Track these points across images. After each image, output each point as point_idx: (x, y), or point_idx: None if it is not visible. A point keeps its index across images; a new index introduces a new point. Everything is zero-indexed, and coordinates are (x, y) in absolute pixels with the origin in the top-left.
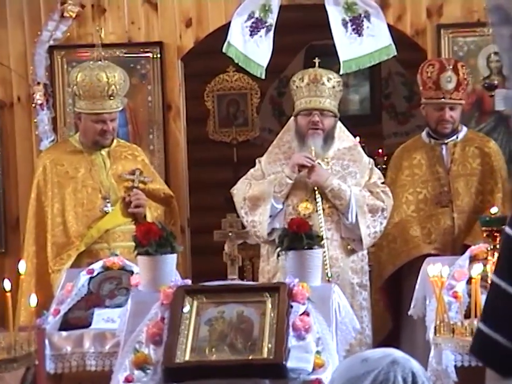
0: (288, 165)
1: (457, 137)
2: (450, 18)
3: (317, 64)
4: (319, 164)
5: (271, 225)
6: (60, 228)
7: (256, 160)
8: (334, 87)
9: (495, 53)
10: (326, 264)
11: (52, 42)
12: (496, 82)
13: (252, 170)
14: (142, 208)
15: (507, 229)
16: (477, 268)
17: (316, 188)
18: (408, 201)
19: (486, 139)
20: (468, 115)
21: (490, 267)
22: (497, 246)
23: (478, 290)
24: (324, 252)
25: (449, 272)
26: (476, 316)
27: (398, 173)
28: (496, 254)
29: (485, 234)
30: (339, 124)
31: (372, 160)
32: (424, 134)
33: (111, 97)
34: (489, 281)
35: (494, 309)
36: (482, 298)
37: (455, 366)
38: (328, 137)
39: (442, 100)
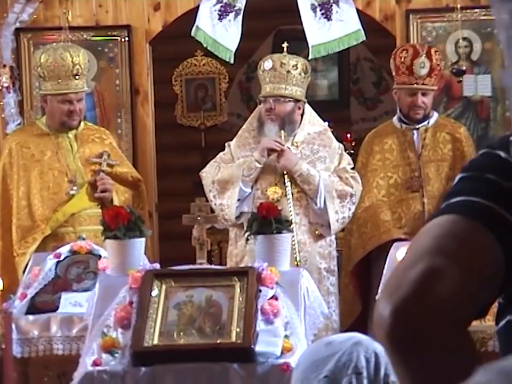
0: (257, 149)
1: (428, 123)
2: (419, 3)
3: (285, 49)
4: (289, 148)
5: (240, 208)
6: (25, 211)
7: (226, 144)
8: (290, 71)
9: (464, 39)
10: (295, 249)
11: (18, 25)
12: (464, 68)
13: (221, 153)
14: (108, 193)
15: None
16: None
17: (285, 172)
18: (379, 186)
19: (457, 125)
20: (436, 101)
21: None
22: None
23: None
24: (293, 237)
25: None
26: None
27: (369, 158)
28: None
29: None
30: (309, 109)
31: (341, 145)
32: (395, 119)
33: (76, 77)
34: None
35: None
36: None
37: None
38: (286, 123)
39: (415, 85)
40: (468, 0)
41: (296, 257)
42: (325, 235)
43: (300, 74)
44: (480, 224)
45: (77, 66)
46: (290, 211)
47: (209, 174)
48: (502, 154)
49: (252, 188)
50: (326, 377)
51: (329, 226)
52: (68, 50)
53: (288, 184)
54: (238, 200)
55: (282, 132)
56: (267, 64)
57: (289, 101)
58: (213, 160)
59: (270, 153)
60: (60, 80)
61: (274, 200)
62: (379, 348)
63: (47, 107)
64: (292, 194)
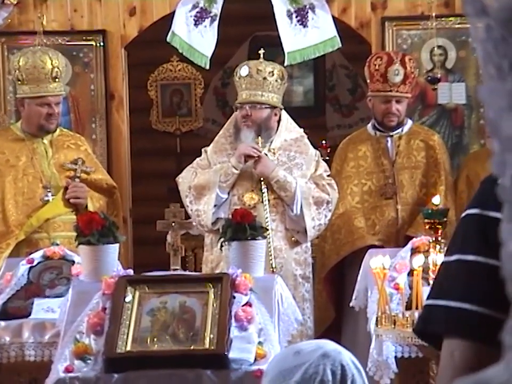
0: (234, 155)
1: (402, 130)
2: (395, 11)
3: (261, 55)
4: (266, 154)
5: (216, 214)
6: None
7: (202, 150)
8: (266, 78)
9: (439, 47)
10: (271, 255)
11: None
12: (439, 75)
13: (197, 159)
14: (82, 200)
15: (467, 210)
16: (418, 260)
17: (261, 179)
18: (353, 193)
19: (430, 132)
20: (411, 108)
21: (431, 259)
22: (439, 238)
23: (419, 282)
24: (269, 243)
25: (391, 263)
26: (417, 308)
27: (343, 164)
28: (437, 247)
29: (427, 227)
30: (286, 115)
31: (318, 152)
32: (369, 126)
33: (56, 80)
34: (441, 263)
35: (457, 281)
36: (423, 290)
37: (396, 357)
38: (262, 129)
39: (389, 92)
40: (443, 8)
41: (272, 264)
42: (301, 242)
43: (276, 81)
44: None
45: (56, 69)
46: (266, 217)
47: (186, 179)
48: (497, 215)
49: (228, 193)
50: None
51: (306, 232)
52: (46, 53)
53: (264, 190)
54: (215, 206)
55: (259, 138)
56: (243, 70)
57: (266, 107)
58: (190, 165)
59: (247, 159)
60: (39, 83)
61: (251, 206)
62: (347, 359)
63: (24, 111)
64: (269, 200)
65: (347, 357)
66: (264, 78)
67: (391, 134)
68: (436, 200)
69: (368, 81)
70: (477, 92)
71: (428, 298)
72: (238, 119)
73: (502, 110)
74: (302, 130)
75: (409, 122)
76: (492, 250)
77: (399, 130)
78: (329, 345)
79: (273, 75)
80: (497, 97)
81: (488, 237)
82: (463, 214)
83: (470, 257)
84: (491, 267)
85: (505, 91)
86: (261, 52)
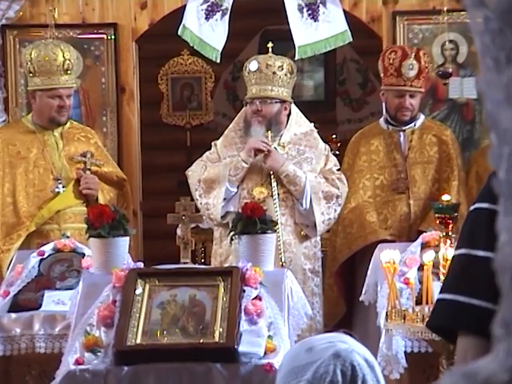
0: (244, 149)
1: (415, 125)
2: (406, 5)
3: (270, 49)
4: (275, 148)
5: (225, 208)
6: (10, 207)
7: (212, 143)
8: (276, 72)
9: (450, 41)
10: (280, 249)
11: (4, 22)
12: (450, 70)
13: (207, 153)
14: (93, 191)
15: (476, 204)
16: (429, 255)
17: (271, 173)
18: (365, 187)
19: (443, 127)
20: (422, 103)
21: (441, 254)
22: (449, 233)
23: (429, 277)
24: (278, 237)
25: (401, 258)
26: (426, 303)
27: (355, 159)
28: (448, 241)
29: (437, 221)
30: (296, 109)
31: (328, 146)
32: (382, 120)
33: (67, 72)
34: (452, 257)
35: (466, 276)
36: (433, 284)
37: (405, 352)
38: (272, 124)
39: (403, 87)
40: (454, 2)
41: (281, 258)
42: (311, 236)
43: (285, 75)
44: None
45: (67, 62)
46: (276, 211)
47: (196, 173)
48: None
49: (238, 187)
50: None
51: (315, 227)
52: (58, 46)
53: (274, 184)
54: (224, 199)
55: (269, 132)
56: (252, 65)
57: (276, 102)
58: (199, 159)
59: (257, 153)
60: (50, 75)
61: (260, 200)
62: (358, 359)
63: (35, 103)
64: (278, 194)
65: (360, 355)
66: (274, 73)
67: (403, 128)
68: (446, 197)
69: (381, 75)
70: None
71: (440, 292)
72: (248, 114)
73: (499, 102)
74: (311, 124)
75: (421, 117)
76: None
77: (412, 124)
78: (342, 343)
79: (282, 69)
80: (494, 89)
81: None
82: (472, 208)
83: (480, 253)
84: None
85: (502, 83)
86: (269, 45)
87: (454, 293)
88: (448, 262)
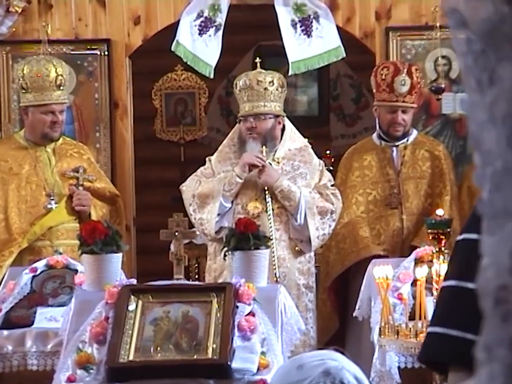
0: (238, 164)
1: (407, 140)
2: (399, 21)
3: (258, 65)
4: (270, 164)
5: (219, 223)
6: (2, 224)
7: (206, 159)
8: (267, 88)
9: (443, 57)
10: (274, 264)
11: None
12: (443, 85)
13: (201, 168)
14: (86, 207)
15: (464, 234)
16: (422, 270)
17: (265, 188)
18: (358, 202)
19: (436, 142)
20: (415, 118)
21: (435, 269)
22: (442, 249)
23: (422, 292)
24: (272, 252)
25: (394, 274)
26: (420, 318)
27: (348, 174)
28: (441, 257)
29: (430, 237)
30: (290, 125)
31: (322, 162)
32: (375, 136)
33: (60, 88)
34: (440, 287)
35: (456, 309)
36: (427, 300)
37: (399, 368)
38: (268, 139)
39: (396, 103)
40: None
41: (275, 273)
42: (305, 251)
43: (276, 89)
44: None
45: (60, 77)
46: (270, 227)
47: (190, 188)
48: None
49: (232, 202)
50: None
51: (309, 242)
52: (51, 62)
53: (268, 199)
54: (218, 214)
55: (263, 147)
56: (243, 83)
57: (269, 117)
58: (194, 174)
59: (251, 168)
60: (43, 91)
61: (255, 215)
62: (347, 376)
63: (27, 119)
64: (272, 210)
65: (350, 372)
66: (265, 89)
67: (396, 143)
68: (440, 212)
69: (374, 90)
70: (460, 104)
71: (431, 324)
72: (242, 132)
73: (483, 123)
74: (305, 140)
75: (414, 132)
76: None
77: (405, 140)
78: (332, 360)
79: (273, 84)
80: (478, 110)
81: None
82: (460, 237)
83: (470, 285)
84: None
85: (485, 104)
86: (257, 61)
87: (445, 327)
88: (441, 278)
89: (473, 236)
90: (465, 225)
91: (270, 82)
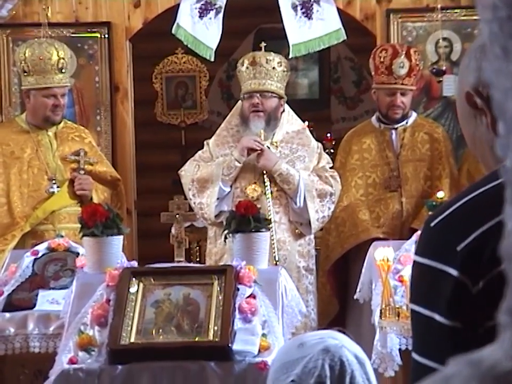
0: (236, 148)
1: (406, 123)
2: (400, 3)
3: (263, 49)
4: (268, 147)
5: (219, 207)
6: (4, 208)
7: (204, 143)
8: (275, 68)
9: (444, 39)
10: (274, 247)
11: None
12: (444, 68)
13: (200, 152)
14: (87, 191)
15: (417, 257)
16: None
17: (264, 171)
18: (357, 185)
19: (435, 125)
20: (416, 100)
21: None
22: None
23: None
24: (272, 235)
25: (395, 256)
26: None
27: (347, 157)
28: None
29: None
30: (287, 108)
31: (320, 144)
32: (374, 118)
33: (62, 71)
34: (411, 310)
35: (443, 344)
36: None
37: (400, 349)
38: (271, 119)
39: (394, 85)
40: (448, 0)
41: (275, 256)
42: (305, 234)
43: (283, 71)
44: None
45: (62, 61)
46: (269, 210)
47: (189, 172)
48: (453, 272)
49: (231, 186)
50: (293, 381)
51: (309, 225)
52: (52, 45)
53: (267, 183)
54: (217, 199)
55: (262, 131)
56: (251, 60)
57: (274, 96)
58: (192, 158)
59: (250, 152)
60: (45, 74)
61: (254, 198)
62: (347, 355)
63: (29, 102)
64: (271, 193)
65: (350, 351)
66: (274, 68)
67: (395, 126)
68: (440, 194)
69: (372, 73)
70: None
71: (415, 349)
72: (245, 109)
73: (507, 91)
74: (303, 122)
75: (413, 115)
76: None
77: (404, 122)
78: (332, 339)
79: (281, 65)
80: (502, 77)
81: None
82: (416, 259)
83: (437, 317)
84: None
85: (510, 71)
86: (262, 45)
87: (433, 361)
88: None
89: (425, 260)
90: (418, 247)
91: (278, 63)
